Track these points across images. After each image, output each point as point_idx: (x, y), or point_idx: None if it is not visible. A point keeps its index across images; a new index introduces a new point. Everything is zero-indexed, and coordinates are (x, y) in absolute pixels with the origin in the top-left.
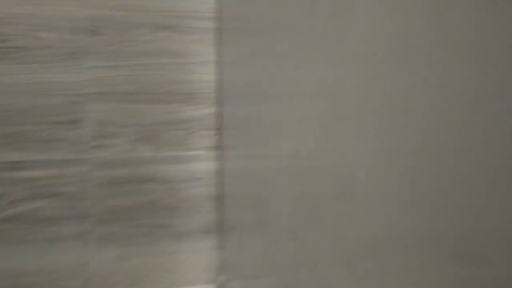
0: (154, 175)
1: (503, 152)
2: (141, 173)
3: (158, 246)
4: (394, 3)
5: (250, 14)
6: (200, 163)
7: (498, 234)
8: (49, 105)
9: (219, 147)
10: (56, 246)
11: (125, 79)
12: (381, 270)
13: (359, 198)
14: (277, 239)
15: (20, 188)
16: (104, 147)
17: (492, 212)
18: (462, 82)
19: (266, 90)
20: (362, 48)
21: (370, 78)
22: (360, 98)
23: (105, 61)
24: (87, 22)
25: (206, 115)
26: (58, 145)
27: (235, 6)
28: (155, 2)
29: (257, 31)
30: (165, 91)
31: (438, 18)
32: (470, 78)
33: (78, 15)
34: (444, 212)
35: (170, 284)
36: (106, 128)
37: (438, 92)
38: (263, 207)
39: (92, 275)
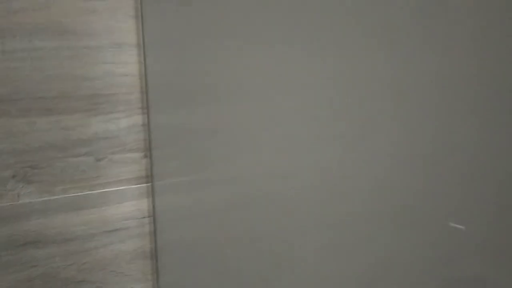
0: (44, 233)
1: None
2: (21, 232)
3: None
4: None
5: None
6: (119, 205)
7: None
8: None
9: (149, 177)
10: None
11: None
12: None
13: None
14: None
15: None
16: None
17: None
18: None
19: (216, 85)
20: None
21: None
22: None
23: None
24: None
25: (125, 128)
26: None
27: None
28: None
29: None
30: (55, 94)
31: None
32: None
33: None
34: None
35: None
36: None
37: None
38: (218, 261)
39: None
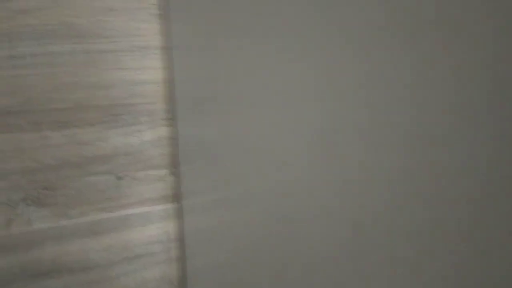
0: (59, 262)
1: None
2: (34, 262)
3: None
4: None
5: None
6: (143, 229)
7: None
8: None
9: (176, 196)
10: None
11: None
12: None
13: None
14: None
15: None
16: None
17: None
18: None
19: (254, 93)
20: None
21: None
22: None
23: None
24: None
25: (148, 142)
26: None
27: None
28: None
29: None
30: (70, 105)
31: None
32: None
33: None
34: None
35: None
36: None
37: None
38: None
39: None
